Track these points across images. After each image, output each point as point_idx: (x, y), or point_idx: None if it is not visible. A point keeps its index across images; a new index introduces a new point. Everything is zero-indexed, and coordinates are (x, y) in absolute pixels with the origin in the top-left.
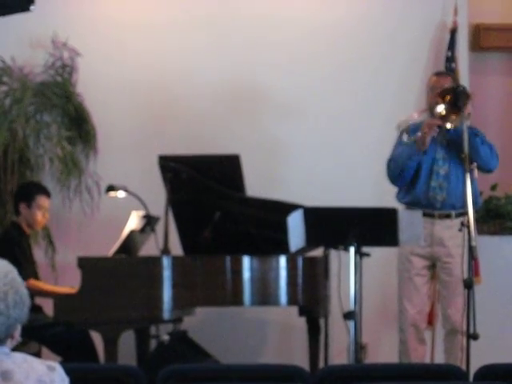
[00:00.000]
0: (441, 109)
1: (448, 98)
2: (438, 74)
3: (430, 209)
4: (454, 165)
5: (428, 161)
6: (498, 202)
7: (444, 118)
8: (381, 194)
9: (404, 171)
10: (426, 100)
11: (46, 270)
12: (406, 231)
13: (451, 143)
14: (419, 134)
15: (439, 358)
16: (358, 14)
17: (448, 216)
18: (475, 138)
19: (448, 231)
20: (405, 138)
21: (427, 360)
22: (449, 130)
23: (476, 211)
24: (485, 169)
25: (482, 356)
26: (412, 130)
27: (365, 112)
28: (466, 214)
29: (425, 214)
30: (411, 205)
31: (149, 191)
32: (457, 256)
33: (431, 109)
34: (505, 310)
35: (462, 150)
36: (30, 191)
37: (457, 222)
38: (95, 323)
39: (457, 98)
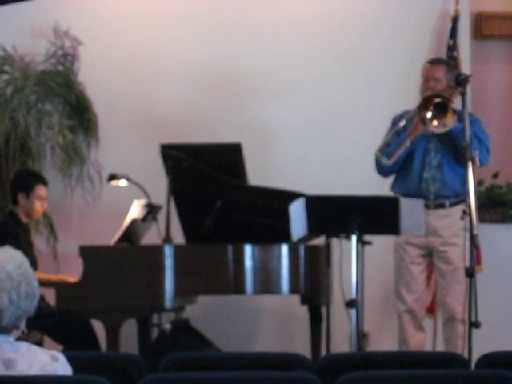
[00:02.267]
0: (429, 116)
1: (430, 105)
2: (431, 61)
3: (424, 200)
4: (447, 155)
5: (420, 152)
6: (500, 190)
7: (433, 122)
8: (375, 182)
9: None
10: (420, 88)
11: (47, 258)
12: (408, 219)
13: (443, 134)
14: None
15: (441, 347)
16: (360, 1)
17: (442, 206)
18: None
19: (441, 221)
20: (387, 162)
21: (429, 348)
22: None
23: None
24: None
25: (483, 344)
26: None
27: (364, 101)
28: (460, 202)
29: None
30: (405, 196)
31: (150, 180)
32: (453, 245)
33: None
34: (506, 298)
35: (464, 138)
36: (29, 181)
37: (451, 211)
38: (97, 312)
39: (438, 103)
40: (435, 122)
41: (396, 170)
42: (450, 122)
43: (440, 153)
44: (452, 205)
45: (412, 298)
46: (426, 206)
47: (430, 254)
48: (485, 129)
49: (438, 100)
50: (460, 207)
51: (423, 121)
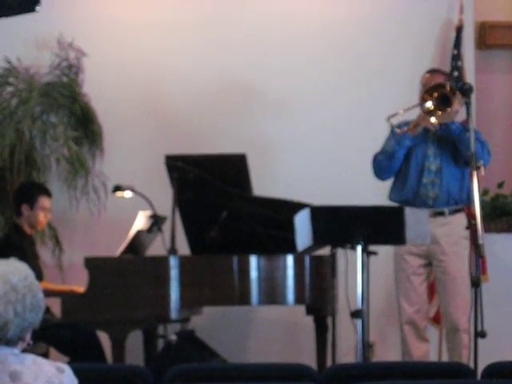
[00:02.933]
0: (429, 104)
1: (435, 94)
2: (431, 71)
3: (423, 207)
4: (446, 160)
5: (419, 157)
6: (505, 200)
7: (431, 114)
8: (379, 191)
9: (392, 159)
10: (419, 96)
11: (52, 270)
12: (413, 229)
13: (442, 139)
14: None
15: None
16: (364, 11)
17: (441, 213)
18: (465, 136)
19: (441, 229)
20: (397, 130)
21: (435, 358)
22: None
23: (468, 207)
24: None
25: (489, 354)
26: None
27: (368, 110)
28: (459, 211)
29: None
30: (403, 204)
31: (156, 191)
32: (451, 254)
33: (421, 105)
34: None
35: (468, 147)
36: (32, 192)
37: (451, 219)
38: (102, 323)
39: (444, 94)
40: (438, 114)
41: (394, 172)
42: (457, 107)
43: (439, 158)
44: (451, 213)
45: (413, 309)
46: None
47: (430, 263)
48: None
49: (440, 90)
50: (460, 215)
51: (425, 111)
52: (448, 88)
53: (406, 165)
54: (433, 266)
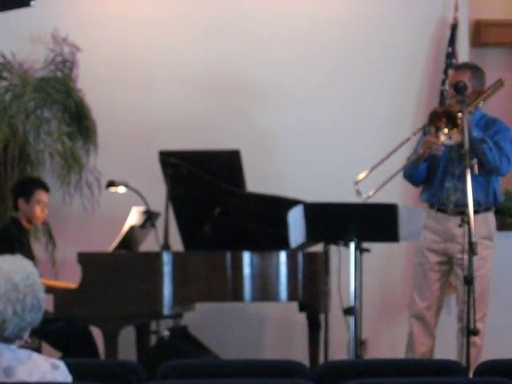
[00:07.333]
0: (442, 129)
1: (442, 118)
2: (455, 67)
3: (444, 206)
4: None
5: (444, 161)
6: None
7: (448, 135)
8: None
9: (412, 175)
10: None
11: (46, 265)
12: (406, 227)
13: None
14: (420, 150)
15: (439, 354)
16: (359, 9)
17: (462, 213)
18: (482, 145)
19: (460, 228)
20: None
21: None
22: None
23: (496, 207)
24: (495, 173)
25: (483, 352)
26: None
27: (364, 107)
28: (482, 211)
29: (439, 210)
30: (428, 202)
31: (149, 187)
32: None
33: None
34: (505, 306)
35: (463, 146)
36: (29, 186)
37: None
38: (95, 319)
39: (448, 116)
40: (445, 133)
41: (423, 178)
42: (456, 136)
43: (463, 162)
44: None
45: (423, 304)
46: (446, 213)
47: (449, 261)
48: None
49: (446, 112)
50: (481, 215)
51: (436, 131)
52: (444, 109)
53: (433, 168)
54: (453, 263)
